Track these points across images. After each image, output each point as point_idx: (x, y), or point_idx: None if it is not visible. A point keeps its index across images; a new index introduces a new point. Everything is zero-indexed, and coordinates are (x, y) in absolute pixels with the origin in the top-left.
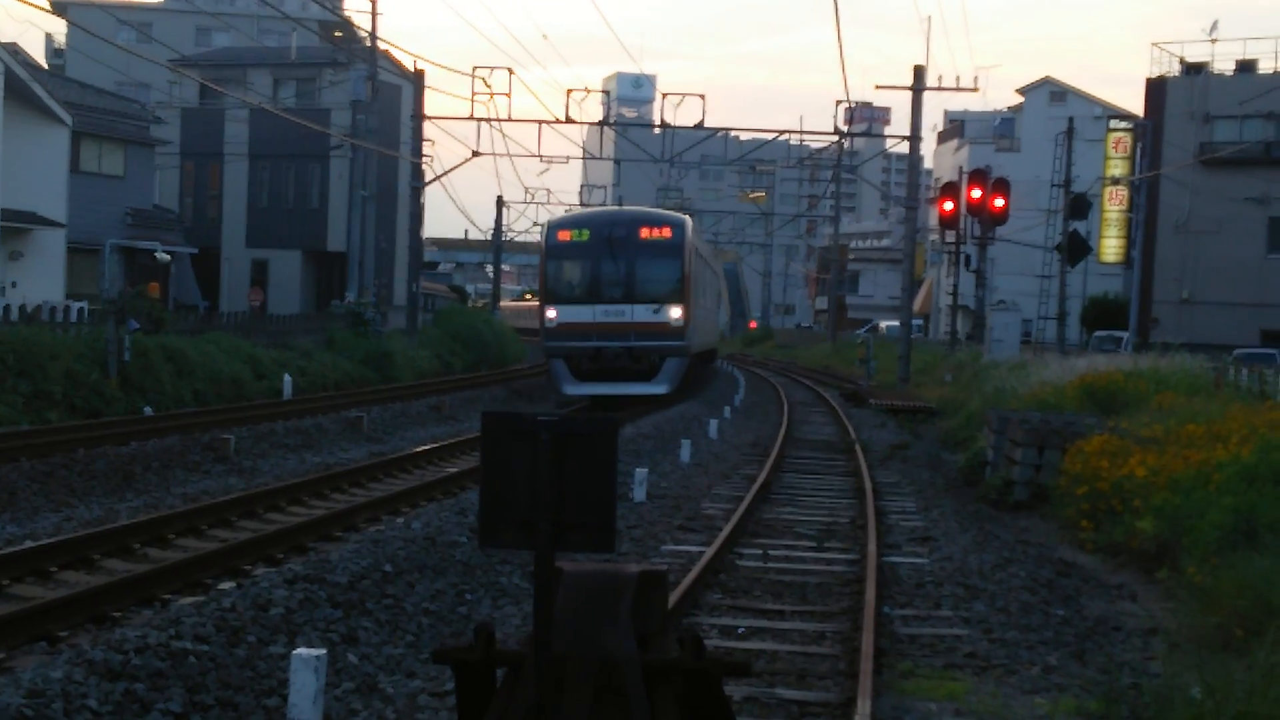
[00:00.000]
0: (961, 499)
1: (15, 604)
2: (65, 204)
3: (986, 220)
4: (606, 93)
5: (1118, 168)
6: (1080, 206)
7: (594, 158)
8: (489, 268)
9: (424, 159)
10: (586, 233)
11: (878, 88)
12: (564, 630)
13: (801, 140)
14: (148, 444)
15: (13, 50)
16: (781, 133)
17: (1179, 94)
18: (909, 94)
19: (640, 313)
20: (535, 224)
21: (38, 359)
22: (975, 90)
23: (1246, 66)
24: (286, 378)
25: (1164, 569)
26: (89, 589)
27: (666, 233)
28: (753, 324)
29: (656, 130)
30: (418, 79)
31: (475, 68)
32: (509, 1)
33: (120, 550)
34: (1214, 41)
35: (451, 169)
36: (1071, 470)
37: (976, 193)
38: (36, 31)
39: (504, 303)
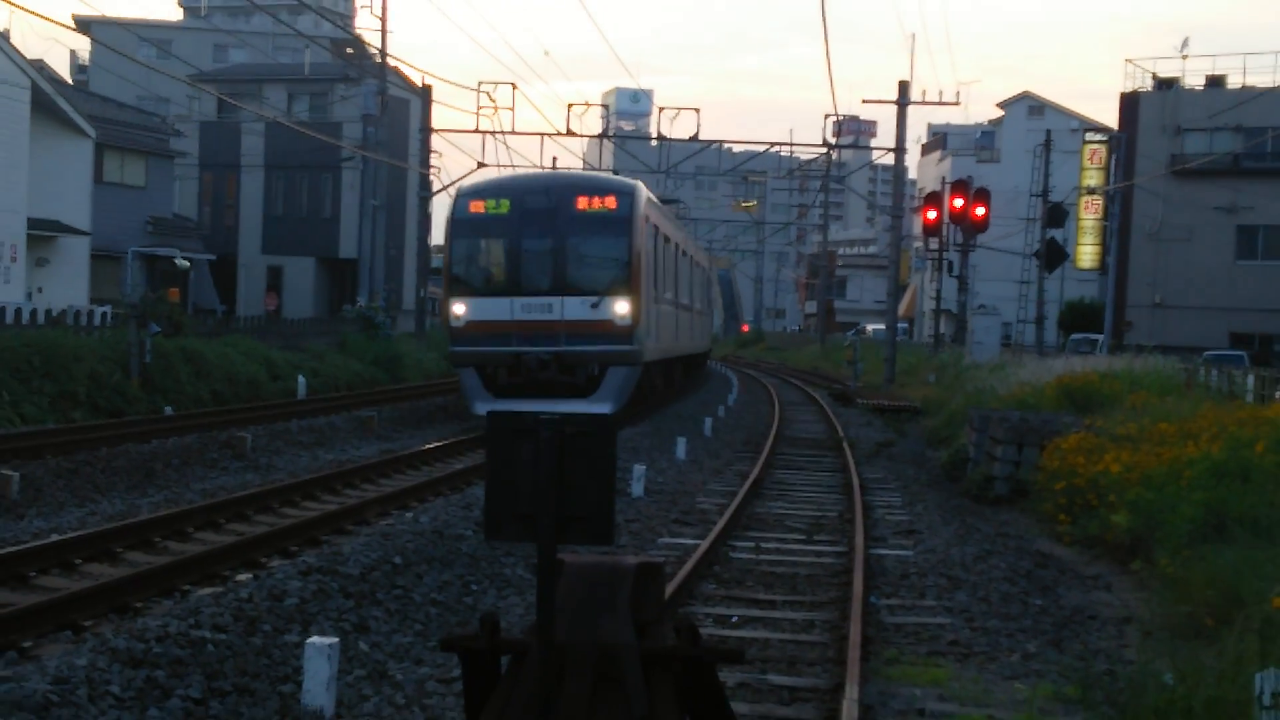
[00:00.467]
0: (944, 494)
1: (42, 595)
2: (89, 213)
3: (968, 228)
4: (606, 107)
5: (1093, 178)
6: (1057, 215)
7: (594, 169)
8: None
9: (431, 170)
10: (505, 203)
11: (864, 102)
12: (565, 619)
13: (791, 152)
14: (168, 442)
15: (39, 67)
16: (772, 145)
17: (1151, 108)
18: (894, 108)
19: (574, 308)
20: None
21: (63, 361)
22: (957, 104)
23: (1216, 81)
24: (300, 378)
25: (1137, 561)
26: (112, 580)
27: (610, 202)
28: (745, 327)
29: (653, 143)
30: (425, 94)
31: (480, 83)
32: (513, 20)
33: (142, 543)
34: (1185, 58)
35: (458, 179)
36: (1049, 467)
37: (958, 202)
38: (62, 49)
39: None
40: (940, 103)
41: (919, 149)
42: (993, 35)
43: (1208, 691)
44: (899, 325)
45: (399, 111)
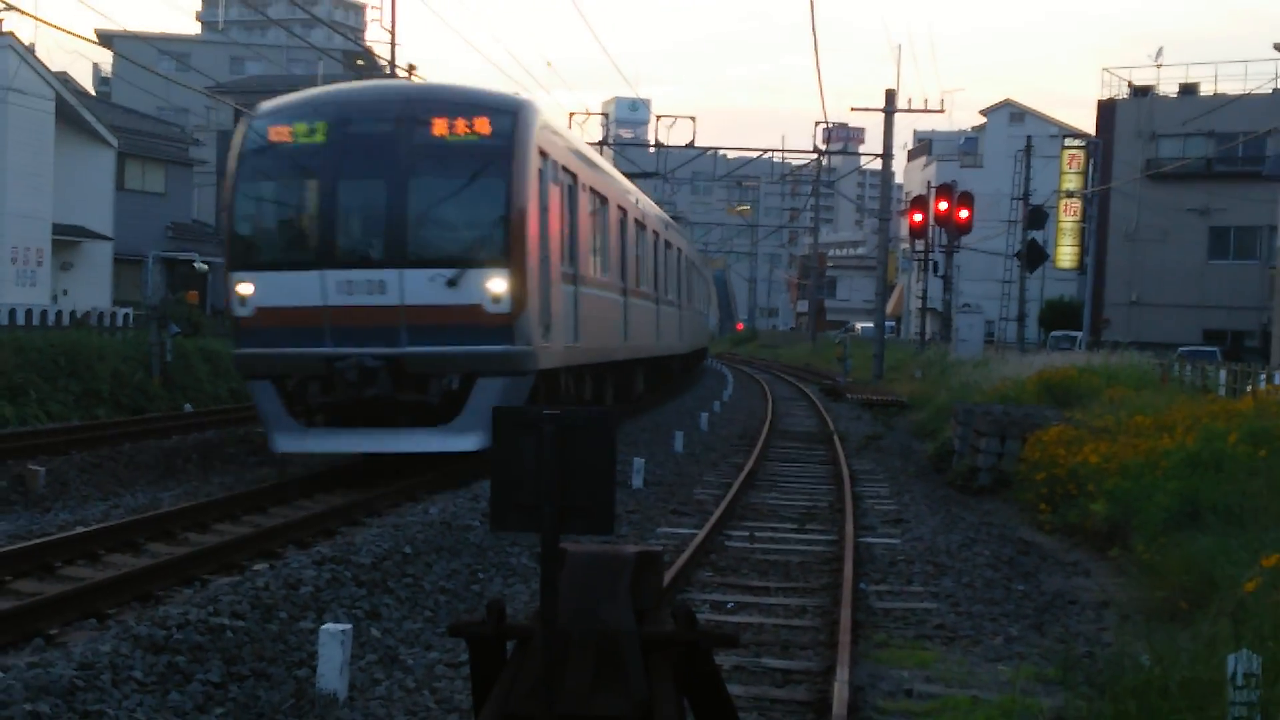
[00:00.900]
0: (931, 484)
1: (67, 584)
2: (112, 219)
3: (952, 230)
4: (605, 115)
5: (1072, 182)
6: (1038, 217)
7: None
8: None
9: None
10: (321, 127)
11: (853, 110)
12: (568, 606)
13: (784, 158)
14: (188, 437)
15: (64, 79)
16: (765, 151)
17: (1128, 115)
18: (881, 115)
19: (420, 286)
20: None
21: (87, 360)
22: (942, 112)
23: (1189, 89)
24: None
25: (1115, 548)
26: (134, 570)
27: (481, 125)
28: (739, 326)
29: (651, 150)
30: None
31: None
32: (517, 32)
33: (163, 535)
34: (1159, 67)
35: None
36: (1031, 458)
37: (943, 205)
38: (85, 62)
39: None
40: (925, 110)
41: (905, 155)
42: (976, 45)
43: (1183, 672)
44: (887, 323)
45: None
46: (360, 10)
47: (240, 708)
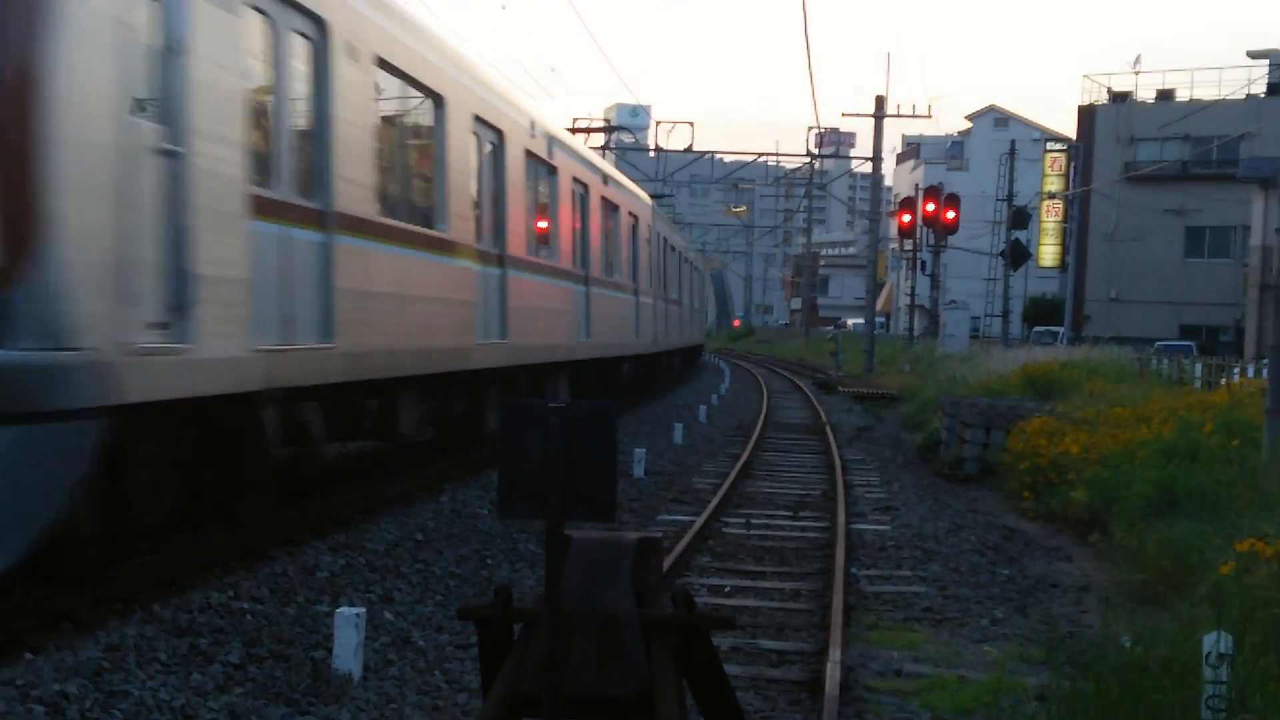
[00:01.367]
0: (919, 474)
1: (94, 572)
2: None
3: (939, 230)
4: (607, 120)
5: (1054, 184)
6: (1021, 218)
7: None
8: None
9: None
10: None
11: (844, 115)
12: (572, 590)
13: (778, 161)
14: None
15: None
16: (760, 155)
17: (1107, 119)
18: (871, 120)
19: None
20: None
21: None
22: (929, 117)
23: (1166, 95)
24: None
25: (1096, 533)
26: (159, 557)
27: None
28: (736, 322)
29: (651, 154)
30: None
31: None
32: (522, 39)
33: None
34: (1137, 73)
35: None
36: (1015, 448)
37: (931, 207)
38: None
39: None
40: (914, 116)
41: (895, 158)
42: (962, 54)
43: (1161, 652)
44: (877, 320)
45: None
46: None
47: (259, 687)
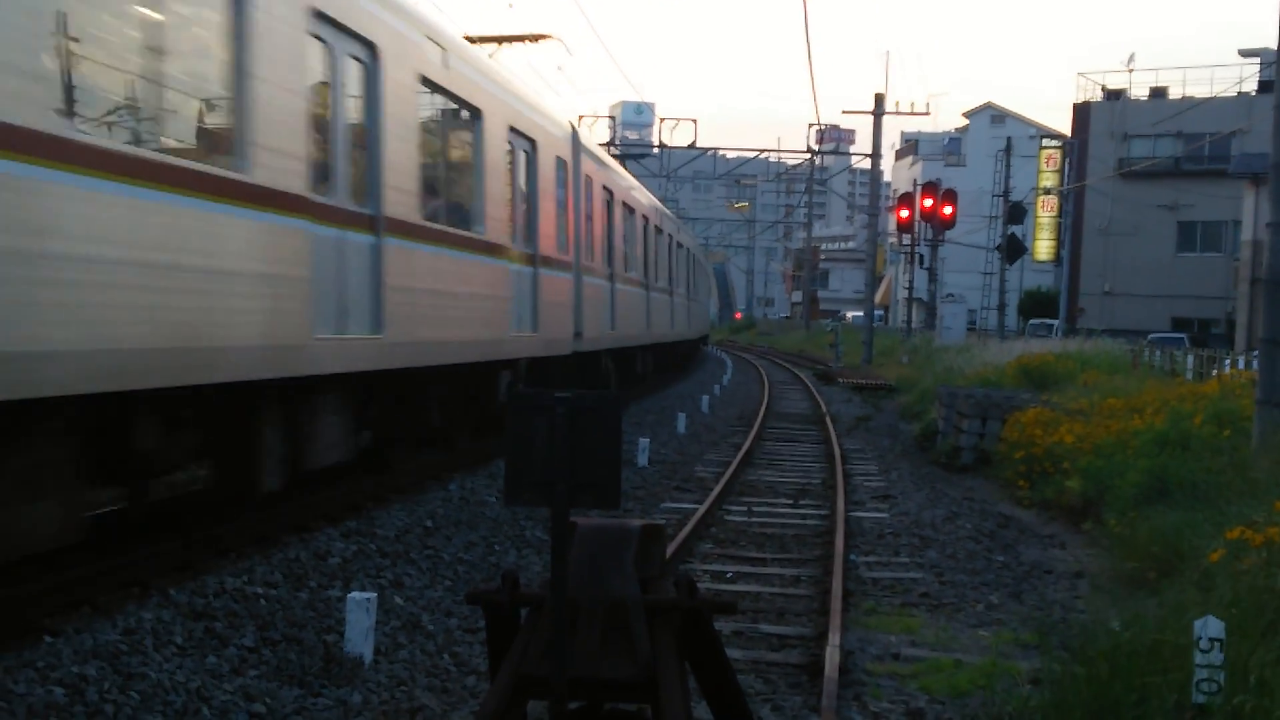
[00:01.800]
0: (916, 463)
1: (113, 556)
2: None
3: (937, 225)
4: (613, 118)
5: (1049, 180)
6: (1017, 213)
7: None
8: None
9: None
10: None
11: (844, 113)
12: (577, 576)
13: (779, 158)
14: None
15: None
16: (762, 151)
17: (1101, 116)
18: (871, 118)
19: None
20: None
21: None
22: (927, 114)
23: (1159, 93)
24: None
25: (1089, 521)
26: (176, 543)
27: None
28: (738, 315)
29: (655, 150)
30: None
31: None
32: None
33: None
34: (1131, 72)
35: None
36: (1010, 438)
37: (929, 202)
38: None
39: None
40: (912, 113)
41: (893, 154)
42: (959, 52)
43: (1151, 637)
44: (875, 312)
45: None
46: None
47: (273, 670)
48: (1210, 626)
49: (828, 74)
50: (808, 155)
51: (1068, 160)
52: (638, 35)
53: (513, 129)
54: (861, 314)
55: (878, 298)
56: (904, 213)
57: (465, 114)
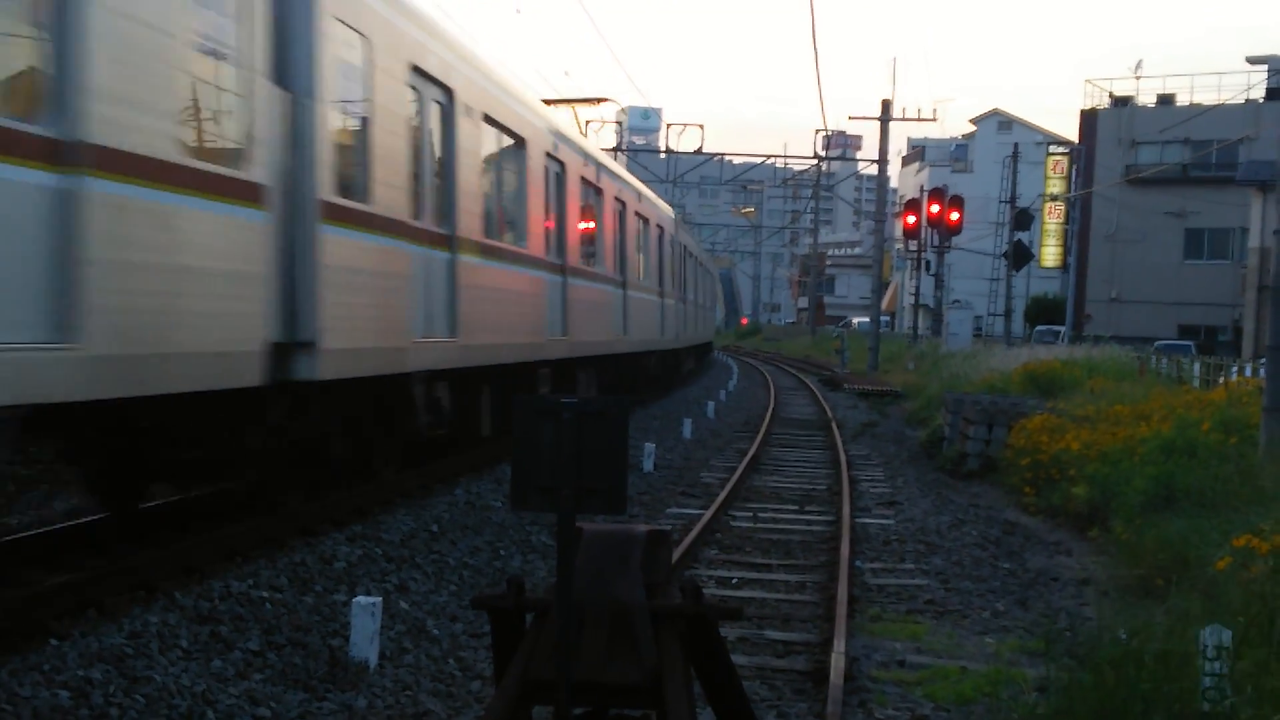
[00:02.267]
0: (922, 469)
1: (119, 560)
2: None
3: (944, 231)
4: (619, 123)
5: (1056, 186)
6: (1024, 219)
7: None
8: None
9: None
10: None
11: (850, 118)
12: (583, 581)
13: (786, 163)
14: None
15: None
16: (769, 157)
17: (1109, 123)
18: (877, 123)
19: None
20: None
21: None
22: (934, 120)
23: (1166, 99)
24: None
25: (1095, 528)
26: (182, 546)
27: None
28: (744, 320)
29: (662, 155)
30: None
31: None
32: (536, 44)
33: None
34: (1138, 78)
35: None
36: (1016, 444)
37: (935, 208)
38: None
39: None
40: (919, 119)
41: (900, 160)
42: (966, 58)
43: (1157, 645)
44: (882, 318)
45: None
46: None
47: (278, 674)
48: (1217, 635)
49: (835, 80)
50: (814, 161)
51: (1075, 167)
52: (645, 40)
53: (548, 154)
54: (867, 320)
55: (884, 304)
56: (911, 219)
57: (512, 143)
